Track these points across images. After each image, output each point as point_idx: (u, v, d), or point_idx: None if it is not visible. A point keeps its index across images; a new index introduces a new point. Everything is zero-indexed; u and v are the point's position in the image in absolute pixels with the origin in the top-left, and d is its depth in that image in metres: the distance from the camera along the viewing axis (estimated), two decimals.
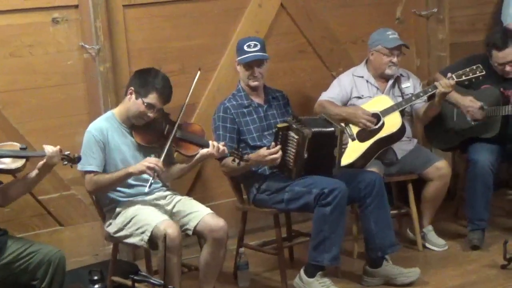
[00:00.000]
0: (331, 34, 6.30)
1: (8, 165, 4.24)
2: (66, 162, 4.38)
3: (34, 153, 4.40)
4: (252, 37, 5.32)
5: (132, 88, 4.71)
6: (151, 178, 4.58)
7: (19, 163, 4.27)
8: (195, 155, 4.78)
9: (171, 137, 4.72)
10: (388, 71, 5.61)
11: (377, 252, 5.09)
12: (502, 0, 6.58)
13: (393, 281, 5.12)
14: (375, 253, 5.10)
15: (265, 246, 5.47)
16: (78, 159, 4.45)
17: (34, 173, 4.36)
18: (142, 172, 4.60)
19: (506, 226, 6.03)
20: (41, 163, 4.31)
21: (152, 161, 4.58)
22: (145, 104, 4.67)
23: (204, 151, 4.76)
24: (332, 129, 4.96)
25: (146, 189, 4.65)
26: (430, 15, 6.56)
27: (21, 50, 5.26)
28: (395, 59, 5.58)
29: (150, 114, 4.70)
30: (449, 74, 5.58)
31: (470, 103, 5.65)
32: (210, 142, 4.77)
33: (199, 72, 4.94)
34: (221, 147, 4.77)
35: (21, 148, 4.32)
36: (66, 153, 4.37)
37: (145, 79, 4.71)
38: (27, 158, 4.31)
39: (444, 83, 5.39)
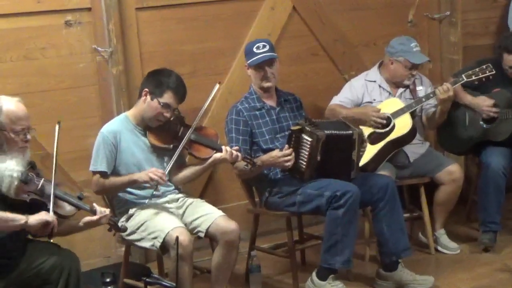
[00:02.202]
0: (343, 37, 6.30)
1: (63, 210, 4.15)
2: (110, 228, 4.31)
3: (87, 207, 4.24)
4: (260, 39, 5.32)
5: (147, 89, 4.73)
6: (153, 190, 4.63)
7: (72, 212, 4.19)
8: (208, 158, 4.79)
9: (185, 139, 4.73)
10: (406, 82, 5.61)
11: (391, 256, 5.08)
12: (509, 4, 6.56)
13: (405, 287, 5.10)
14: (389, 257, 5.09)
15: (277, 249, 5.48)
16: (123, 229, 4.39)
17: (79, 224, 4.25)
18: (146, 182, 4.63)
19: None
20: (89, 220, 4.20)
21: (157, 173, 4.60)
22: (161, 104, 4.69)
23: (217, 155, 4.77)
24: (350, 132, 4.96)
25: (146, 201, 4.68)
26: (442, 18, 6.55)
27: (34, 52, 5.28)
28: (415, 72, 5.59)
29: (166, 114, 4.72)
30: (450, 78, 5.61)
31: (485, 102, 5.64)
32: (223, 147, 4.78)
33: (217, 85, 4.95)
34: (234, 152, 4.77)
35: (78, 197, 4.22)
36: (114, 219, 4.33)
37: (159, 79, 4.73)
38: (79, 209, 4.22)
39: (441, 89, 5.39)
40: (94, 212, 4.19)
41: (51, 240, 4.03)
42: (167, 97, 4.70)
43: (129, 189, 4.77)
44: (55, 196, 4.10)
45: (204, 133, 4.90)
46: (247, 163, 4.83)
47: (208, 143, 4.83)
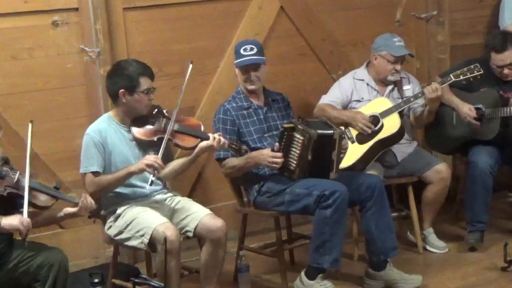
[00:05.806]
0: (331, 36, 6.30)
1: (41, 201, 4.23)
2: (90, 216, 4.39)
3: (66, 197, 4.35)
4: (249, 40, 5.32)
5: (122, 90, 4.71)
6: (151, 176, 4.57)
7: (50, 202, 4.27)
8: (194, 147, 4.78)
9: (169, 128, 4.71)
10: (390, 78, 5.63)
11: (380, 255, 5.08)
12: (499, 4, 6.58)
13: (394, 286, 5.10)
14: (377, 257, 5.10)
15: (265, 248, 5.47)
16: (104, 216, 4.48)
17: (59, 215, 4.33)
18: (142, 170, 4.60)
19: (506, 228, 6.03)
20: (71, 211, 4.28)
21: (151, 158, 4.58)
22: (144, 92, 4.70)
23: (203, 143, 4.76)
24: (331, 131, 4.96)
25: (147, 187, 4.64)
26: (430, 17, 6.56)
27: (21, 53, 5.27)
28: (398, 67, 5.60)
29: (152, 96, 4.75)
30: (437, 78, 5.61)
31: (468, 111, 5.64)
32: (210, 134, 4.78)
33: (191, 66, 4.86)
34: (222, 139, 4.76)
35: (55, 187, 4.30)
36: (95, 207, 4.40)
37: (125, 74, 4.71)
38: (58, 199, 4.30)
39: (430, 88, 5.40)
40: (76, 204, 4.25)
41: (26, 242, 4.06)
42: (143, 83, 4.70)
43: (127, 182, 4.74)
44: (32, 188, 4.17)
45: (187, 122, 4.89)
46: (233, 149, 4.83)
47: (192, 132, 4.82)
